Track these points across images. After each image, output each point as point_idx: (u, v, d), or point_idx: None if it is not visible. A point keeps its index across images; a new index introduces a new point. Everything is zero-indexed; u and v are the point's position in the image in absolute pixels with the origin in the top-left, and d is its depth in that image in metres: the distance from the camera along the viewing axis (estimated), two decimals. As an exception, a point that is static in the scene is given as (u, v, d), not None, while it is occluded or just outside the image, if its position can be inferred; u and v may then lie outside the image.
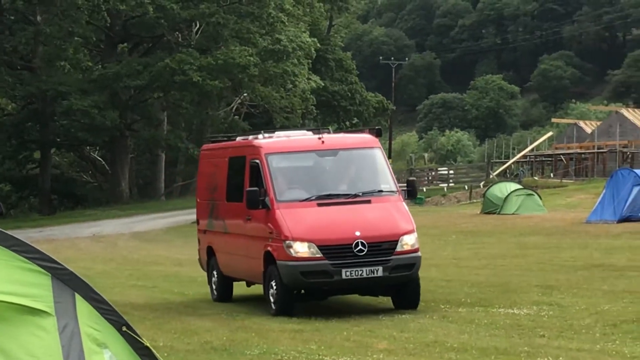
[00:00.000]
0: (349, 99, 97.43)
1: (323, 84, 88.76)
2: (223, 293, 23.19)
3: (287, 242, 19.54)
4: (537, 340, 16.21)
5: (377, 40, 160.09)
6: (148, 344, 7.63)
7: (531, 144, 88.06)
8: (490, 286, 23.49)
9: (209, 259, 23.66)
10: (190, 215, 59.80)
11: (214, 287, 23.47)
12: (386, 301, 21.18)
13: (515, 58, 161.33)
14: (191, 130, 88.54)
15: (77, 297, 7.47)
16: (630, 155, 72.88)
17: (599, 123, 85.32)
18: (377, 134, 22.07)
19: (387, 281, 19.85)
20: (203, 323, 19.23)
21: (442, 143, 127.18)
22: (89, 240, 50.94)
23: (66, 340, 7.33)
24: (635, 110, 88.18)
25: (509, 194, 56.53)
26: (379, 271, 19.44)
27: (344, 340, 16.54)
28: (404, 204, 20.84)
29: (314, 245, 19.45)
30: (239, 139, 23.73)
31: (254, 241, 20.91)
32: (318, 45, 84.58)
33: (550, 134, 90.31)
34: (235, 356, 15.04)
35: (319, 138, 21.25)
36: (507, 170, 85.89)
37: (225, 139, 25.27)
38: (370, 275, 19.45)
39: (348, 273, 19.34)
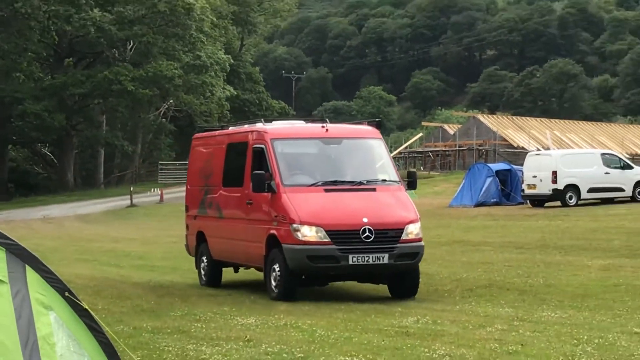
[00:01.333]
0: (257, 105, 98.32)
1: (236, 93, 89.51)
2: (212, 278, 19.67)
3: (295, 225, 16.50)
4: (409, 303, 16.35)
5: (280, 58, 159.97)
6: (87, 307, 7.57)
7: (405, 143, 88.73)
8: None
9: (198, 245, 20.12)
10: (124, 201, 60.31)
11: (202, 272, 19.91)
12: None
13: (393, 73, 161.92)
14: (126, 131, 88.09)
15: (27, 268, 7.42)
16: (485, 152, 73.67)
17: (459, 126, 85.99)
18: (378, 126, 18.85)
19: (391, 269, 16.93)
20: (135, 290, 19.05)
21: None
22: (40, 222, 50.26)
23: (18, 304, 7.29)
24: (489, 115, 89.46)
25: (387, 184, 56.69)
26: (385, 258, 16.59)
27: (252, 303, 16.53)
28: (406, 193, 17.83)
29: (322, 229, 16.47)
30: (231, 128, 20.26)
31: (255, 225, 17.65)
32: (232, 61, 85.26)
33: (420, 134, 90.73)
34: (162, 317, 14.92)
35: (323, 127, 18.21)
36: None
37: (219, 127, 21.75)
38: (375, 262, 16.57)
39: (355, 259, 16.45)
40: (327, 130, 18.00)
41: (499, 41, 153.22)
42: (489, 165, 50.23)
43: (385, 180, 17.73)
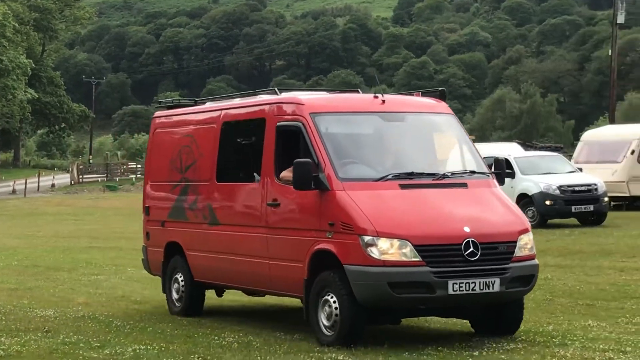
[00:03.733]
0: (58, 108, 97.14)
1: (37, 96, 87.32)
2: (191, 304, 13.50)
3: (367, 237, 10.41)
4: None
5: (81, 63, 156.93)
6: None
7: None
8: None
9: (167, 260, 13.81)
10: None
11: (174, 296, 13.70)
12: (85, 267, 20.81)
13: (189, 79, 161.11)
14: None
15: None
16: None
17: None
18: (442, 97, 12.57)
19: (501, 299, 10.99)
20: None
21: (132, 143, 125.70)
22: None
23: None
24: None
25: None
26: (495, 284, 10.67)
27: (50, 296, 16.14)
28: (501, 190, 11.71)
29: (409, 243, 10.41)
30: (209, 104, 13.97)
31: (286, 235, 11.48)
32: (33, 65, 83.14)
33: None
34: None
35: (376, 97, 11.87)
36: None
37: (191, 102, 14.81)
38: (484, 290, 10.63)
39: (456, 286, 10.49)
40: (383, 101, 11.84)
41: (288, 52, 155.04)
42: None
43: (474, 172, 11.63)
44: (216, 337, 11.58)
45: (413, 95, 12.81)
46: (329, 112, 11.62)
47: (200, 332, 12.08)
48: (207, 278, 13.31)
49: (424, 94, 12.61)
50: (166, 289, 13.96)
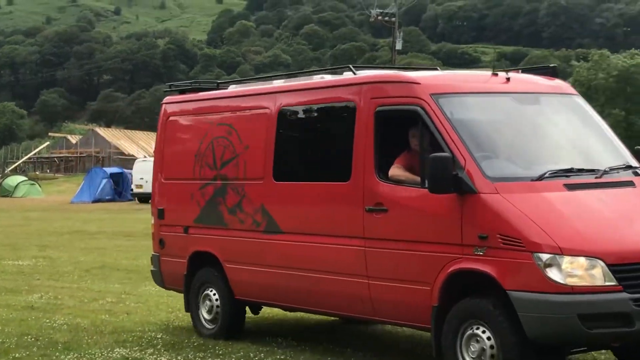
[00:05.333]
0: None
1: None
2: (231, 325, 10.03)
3: (546, 255, 6.97)
4: (34, 282, 15.75)
5: None
6: None
7: (34, 150, 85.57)
8: (2, 245, 22.52)
9: (192, 272, 10.28)
10: None
11: (205, 316, 10.20)
12: None
13: (24, 91, 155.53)
14: None
15: None
16: (102, 159, 72.75)
17: (81, 137, 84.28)
18: (554, 74, 8.91)
19: None
20: None
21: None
22: None
23: None
24: (106, 128, 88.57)
25: (18, 184, 54.92)
26: None
27: None
28: None
29: (602, 262, 6.97)
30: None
31: (400, 249, 7.95)
32: None
33: (47, 143, 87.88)
34: None
35: (495, 74, 8.35)
36: (18, 168, 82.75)
37: (213, 86, 10.94)
38: None
39: None
40: (507, 80, 8.32)
41: (114, 68, 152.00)
42: (105, 169, 49.90)
43: (630, 167, 8.15)
44: (47, 320, 11.19)
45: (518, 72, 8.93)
46: (452, 93, 7.98)
47: (33, 315, 11.65)
48: (258, 297, 9.68)
49: (533, 71, 8.95)
50: (191, 307, 10.29)
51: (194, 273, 10.25)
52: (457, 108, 7.88)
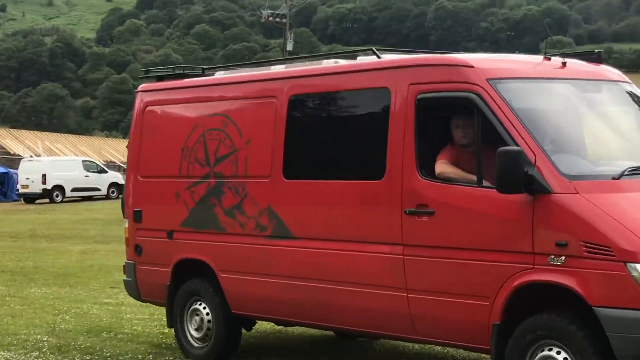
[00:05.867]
0: None
1: None
2: (227, 342, 8.66)
3: None
4: None
5: None
6: None
7: None
8: None
9: (177, 283, 8.94)
10: None
11: (194, 334, 8.83)
12: None
13: None
14: None
15: None
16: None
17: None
18: (599, 60, 7.63)
19: None
20: None
21: None
22: None
23: None
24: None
25: None
26: None
27: None
28: None
29: None
30: (222, 73, 9.15)
31: (451, 258, 6.67)
32: None
33: None
34: None
35: (547, 58, 7.19)
36: None
37: (198, 72, 9.48)
38: None
39: None
40: (564, 64, 7.22)
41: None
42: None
43: None
44: None
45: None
46: (511, 78, 6.81)
47: None
48: (260, 311, 8.31)
49: (577, 56, 7.63)
50: (175, 324, 8.92)
51: (179, 284, 8.86)
52: (517, 95, 6.67)
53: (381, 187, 7.08)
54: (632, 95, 7.41)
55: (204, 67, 9.64)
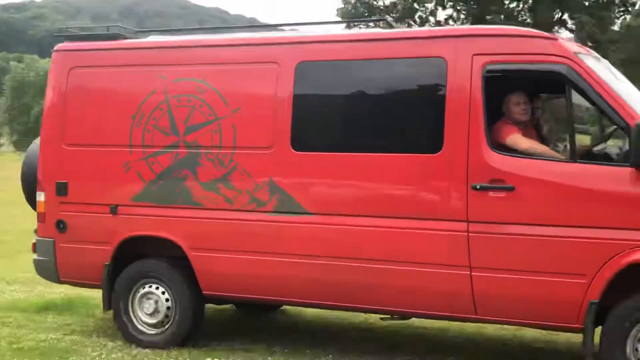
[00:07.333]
0: None
1: None
2: (192, 326, 7.72)
3: None
4: None
5: None
6: None
7: None
8: None
9: (119, 264, 7.87)
10: None
11: (145, 319, 7.82)
12: None
13: None
14: None
15: None
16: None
17: None
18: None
19: None
20: None
21: None
22: None
23: None
24: None
25: None
26: None
27: None
28: None
29: None
30: (153, 37, 8.28)
31: (533, 235, 6.27)
32: None
33: None
34: None
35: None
36: None
37: (133, 33, 8.43)
38: None
39: None
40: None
41: None
42: None
43: None
44: None
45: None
46: (586, 52, 6.73)
47: None
48: (246, 292, 7.44)
49: None
50: (117, 308, 7.92)
51: (122, 264, 7.86)
52: (597, 68, 6.49)
53: (438, 160, 6.59)
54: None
55: (137, 29, 8.59)
